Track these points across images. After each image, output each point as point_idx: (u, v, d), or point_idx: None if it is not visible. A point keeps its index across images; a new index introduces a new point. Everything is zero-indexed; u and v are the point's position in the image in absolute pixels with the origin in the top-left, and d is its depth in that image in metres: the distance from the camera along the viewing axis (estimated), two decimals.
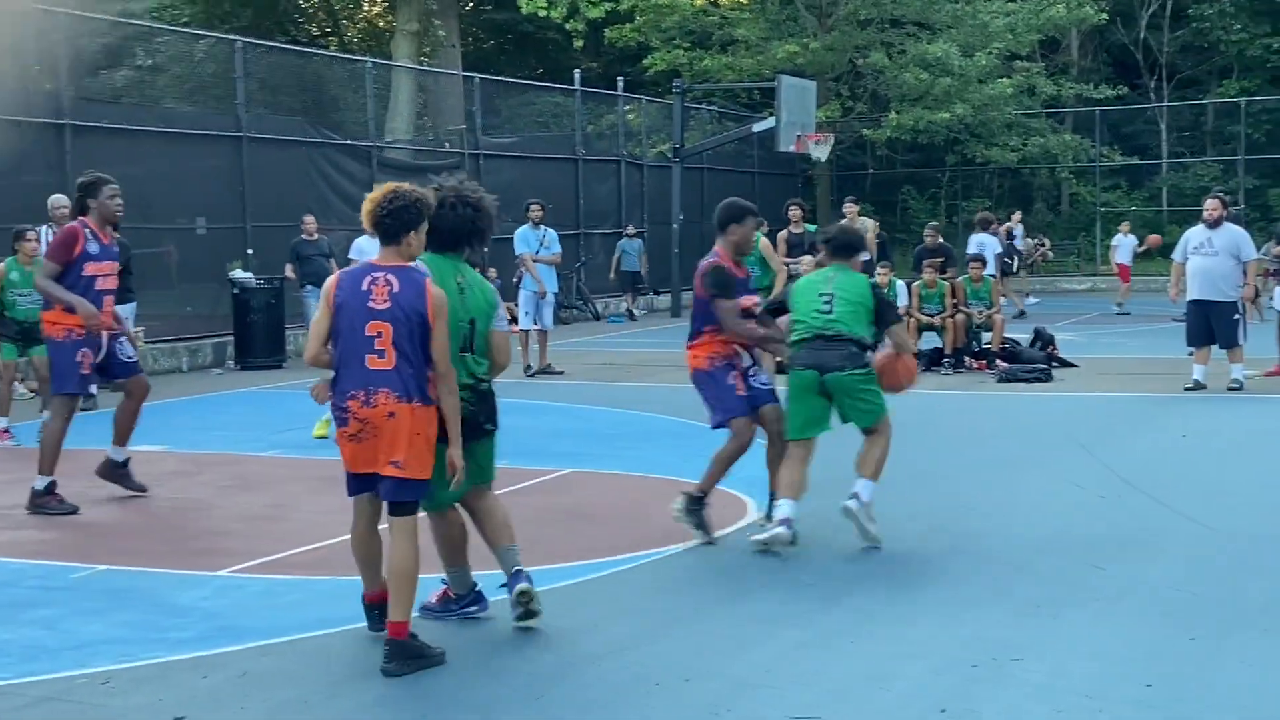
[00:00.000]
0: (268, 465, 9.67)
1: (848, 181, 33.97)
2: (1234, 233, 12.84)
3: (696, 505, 7.01)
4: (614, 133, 27.33)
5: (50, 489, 7.96)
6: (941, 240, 17.79)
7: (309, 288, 15.92)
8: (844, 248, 7.20)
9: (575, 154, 25.24)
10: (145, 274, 14.81)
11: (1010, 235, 23.03)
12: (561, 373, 14.83)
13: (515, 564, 5.44)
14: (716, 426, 7.08)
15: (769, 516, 6.98)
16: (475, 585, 5.63)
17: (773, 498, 7.03)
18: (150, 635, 5.50)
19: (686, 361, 7.24)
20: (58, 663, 5.14)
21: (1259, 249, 14.80)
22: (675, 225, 24.92)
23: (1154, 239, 24.00)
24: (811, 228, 16.40)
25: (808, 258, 14.54)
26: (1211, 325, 12.71)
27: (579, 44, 31.31)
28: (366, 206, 5.14)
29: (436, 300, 5.02)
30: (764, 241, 11.90)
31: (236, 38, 18.88)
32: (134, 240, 14.42)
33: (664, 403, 12.31)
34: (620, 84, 27.54)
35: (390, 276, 5.02)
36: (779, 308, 7.35)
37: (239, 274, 16.76)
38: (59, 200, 12.92)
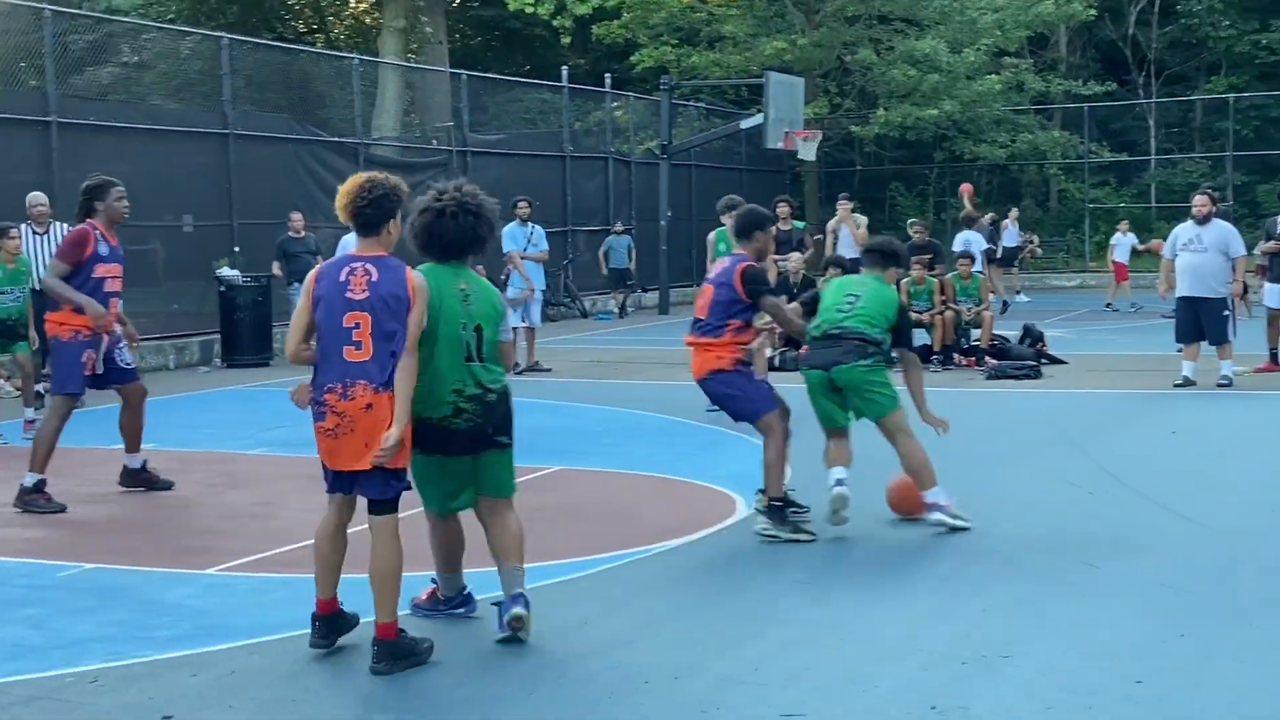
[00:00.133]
0: (255, 463, 9.65)
1: (836, 178, 33.99)
2: (1223, 229, 12.86)
3: (779, 511, 6.93)
4: (601, 130, 27.31)
5: (39, 487, 7.94)
6: (930, 237, 17.80)
7: (296, 285, 15.85)
8: (883, 256, 7.46)
9: (563, 151, 25.22)
10: (131, 272, 14.60)
11: (994, 223, 23.06)
12: (549, 370, 14.82)
13: (516, 587, 5.26)
14: (751, 420, 7.08)
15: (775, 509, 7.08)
16: (464, 588, 5.58)
17: (762, 491, 7.13)
18: (138, 634, 5.48)
19: (702, 360, 7.08)
20: (46, 661, 5.12)
21: (1252, 246, 14.84)
22: (663, 222, 24.91)
23: (1157, 243, 24.11)
24: (800, 225, 16.39)
25: (796, 255, 14.54)
26: (1201, 322, 12.73)
27: (566, 41, 31.29)
28: (342, 200, 5.04)
29: (416, 282, 4.97)
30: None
31: (223, 34, 18.83)
32: (120, 238, 14.36)
33: (652, 400, 12.32)
34: (608, 81, 27.51)
35: (369, 266, 4.97)
36: (812, 305, 7.56)
37: (226, 271, 16.71)
38: (37, 198, 12.88)
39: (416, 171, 21.74)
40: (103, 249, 8.03)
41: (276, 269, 16.72)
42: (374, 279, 4.93)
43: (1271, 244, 13.82)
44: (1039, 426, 10.76)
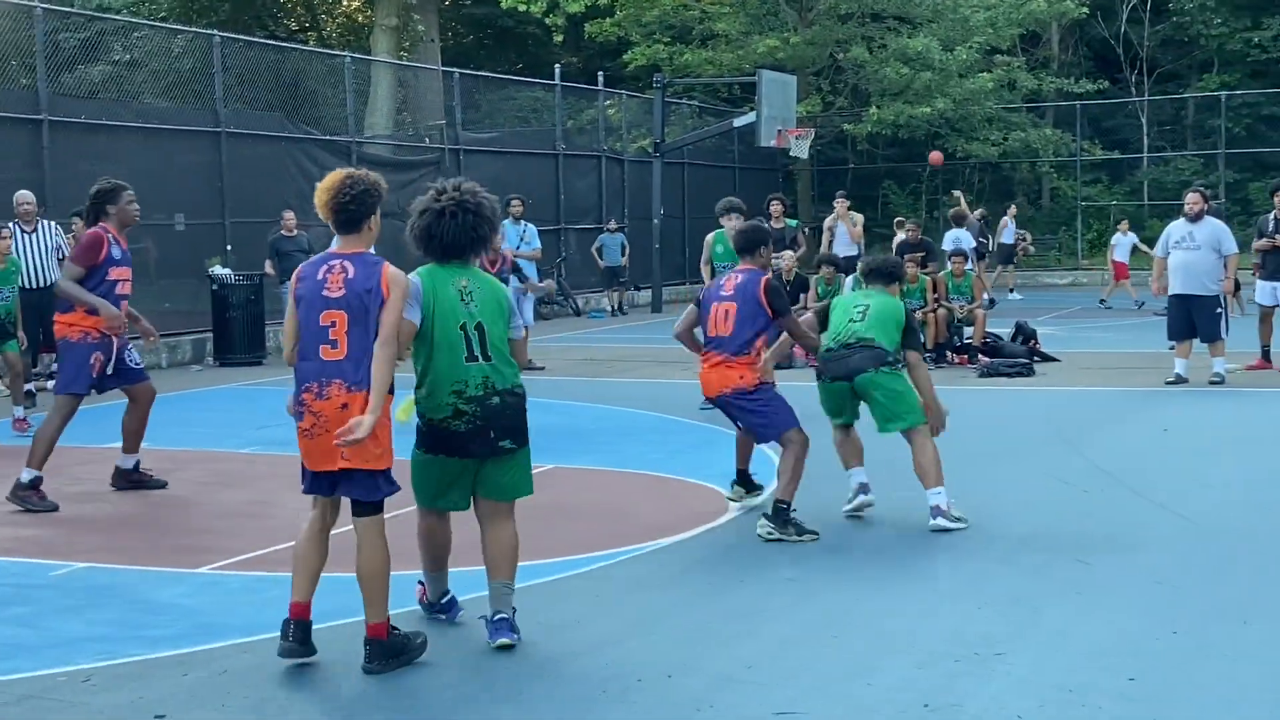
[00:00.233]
0: (248, 462, 9.63)
1: (829, 176, 34.01)
2: (1215, 227, 12.88)
3: (784, 513, 6.92)
4: (594, 128, 27.30)
5: (35, 483, 7.95)
6: (922, 235, 17.82)
7: (288, 284, 15.85)
8: (883, 275, 7.72)
9: (555, 149, 25.19)
10: None
11: (984, 220, 23.06)
12: (543, 368, 14.81)
13: (502, 608, 5.14)
14: (776, 439, 7.14)
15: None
16: (447, 593, 5.50)
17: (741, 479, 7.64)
18: (130, 633, 5.47)
19: (723, 378, 7.08)
20: (38, 660, 5.10)
21: (1244, 244, 14.87)
22: (656, 220, 24.90)
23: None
24: (793, 223, 16.39)
25: (789, 253, 14.54)
26: (1193, 319, 12.75)
27: (559, 39, 31.29)
28: (322, 197, 4.95)
29: (391, 275, 4.88)
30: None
31: (214, 32, 18.78)
32: None
33: (645, 398, 12.32)
34: (600, 79, 27.51)
35: (346, 263, 4.89)
36: (823, 315, 7.73)
37: (218, 270, 16.68)
38: (24, 196, 12.86)
39: (409, 170, 21.73)
40: (115, 252, 8.13)
41: (269, 267, 16.69)
42: (350, 276, 4.86)
43: (1264, 241, 13.84)
44: (1032, 424, 10.77)
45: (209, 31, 19.09)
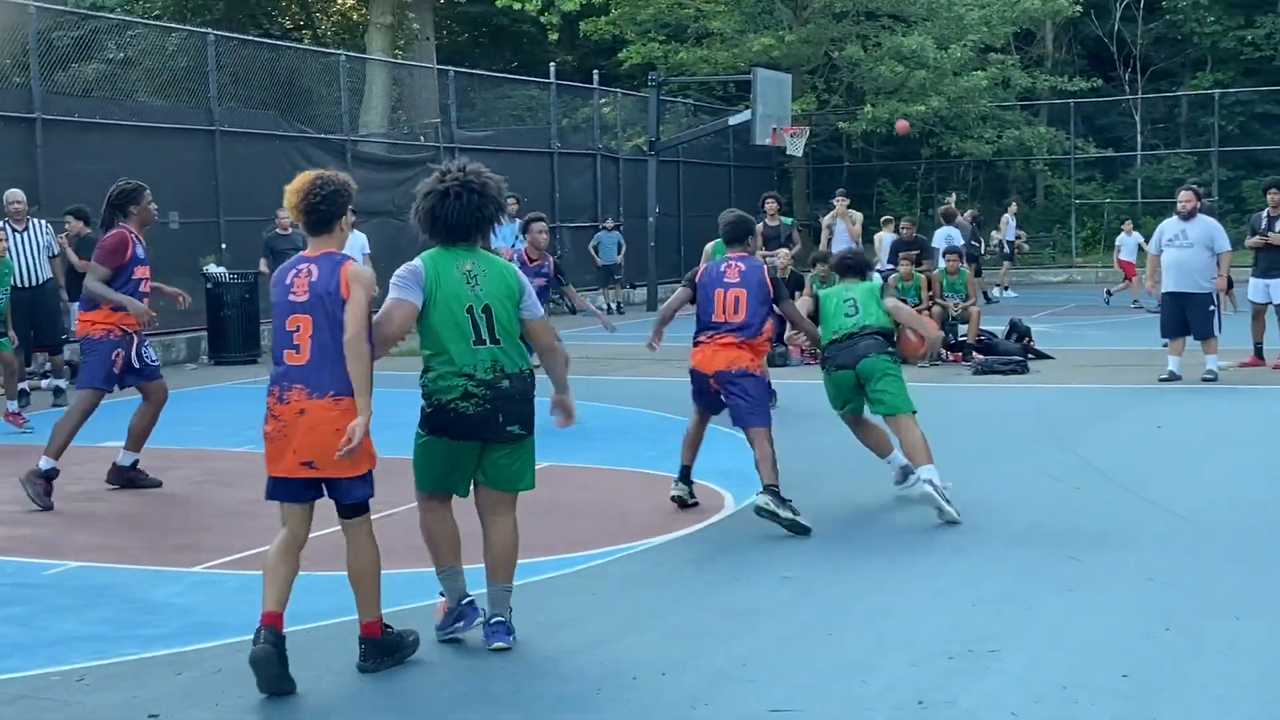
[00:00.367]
0: (242, 460, 9.61)
1: (824, 175, 34.04)
2: (1208, 224, 12.90)
3: (778, 495, 6.98)
4: (589, 126, 27.28)
5: (49, 475, 8.04)
6: (917, 233, 17.85)
7: None
8: (855, 270, 8.06)
9: (550, 147, 25.19)
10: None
11: (976, 221, 23.05)
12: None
13: (501, 611, 5.11)
14: (757, 426, 7.20)
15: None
16: (466, 597, 5.22)
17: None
18: (124, 632, 5.46)
19: (733, 356, 7.22)
20: (32, 660, 5.10)
21: (1238, 242, 14.90)
22: (651, 219, 24.91)
23: None
24: (788, 220, 16.41)
25: (784, 250, 14.55)
26: (1186, 317, 12.76)
27: (554, 37, 31.25)
28: (292, 199, 4.86)
29: (350, 272, 4.77)
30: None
31: (209, 31, 18.75)
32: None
33: (640, 396, 12.32)
34: (595, 77, 27.49)
35: (312, 266, 4.81)
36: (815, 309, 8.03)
37: (212, 269, 16.66)
38: (15, 195, 12.85)
39: (404, 168, 21.71)
40: (139, 251, 8.27)
41: (264, 266, 16.67)
42: (314, 279, 4.77)
43: (1256, 239, 13.86)
44: (1025, 421, 10.79)
45: (203, 30, 19.06)
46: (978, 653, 5.01)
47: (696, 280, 7.53)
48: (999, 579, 6.08)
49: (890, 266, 17.07)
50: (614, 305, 24.46)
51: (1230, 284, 14.16)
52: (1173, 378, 12.62)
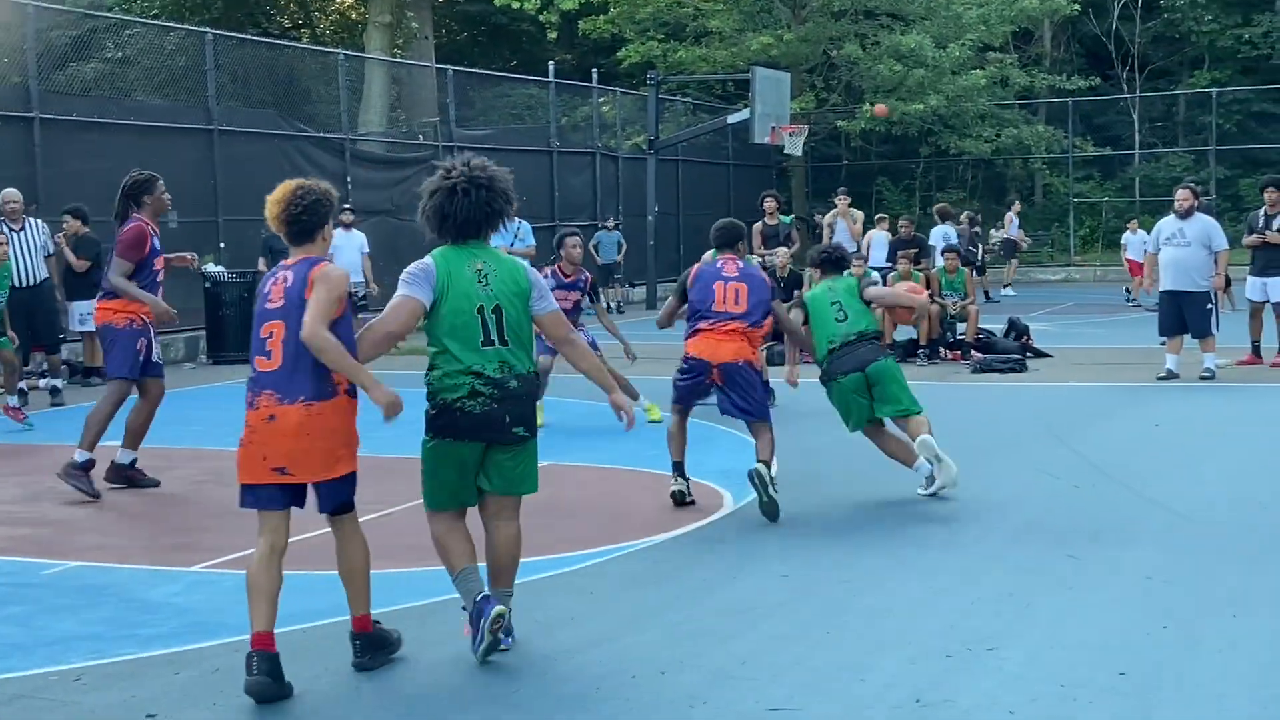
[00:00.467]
0: None
1: (822, 173, 34.05)
2: (1205, 223, 12.90)
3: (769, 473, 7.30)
4: (588, 125, 27.28)
5: (88, 466, 8.12)
6: (915, 232, 17.88)
7: None
8: (834, 264, 8.21)
9: (550, 146, 25.18)
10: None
11: (972, 221, 23.05)
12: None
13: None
14: (757, 417, 7.46)
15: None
16: (479, 593, 4.95)
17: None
18: (122, 631, 5.46)
19: (738, 347, 7.42)
20: (30, 660, 5.09)
21: (1235, 240, 14.90)
22: (650, 217, 24.91)
23: None
24: (786, 219, 16.42)
25: (783, 249, 14.55)
26: (1184, 315, 12.77)
27: (553, 36, 31.25)
28: (274, 209, 4.82)
29: (317, 273, 4.70)
30: None
31: (207, 30, 18.74)
32: (105, 235, 14.28)
33: (640, 395, 12.28)
34: (594, 76, 27.49)
35: (288, 273, 4.77)
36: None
37: (211, 268, 16.65)
38: (11, 194, 12.85)
39: (403, 167, 21.71)
40: (156, 242, 8.29)
41: (262, 265, 16.66)
42: (289, 284, 4.73)
43: (1254, 237, 13.87)
44: (1024, 420, 10.79)
45: (202, 29, 19.05)
46: (976, 651, 5.01)
47: (689, 283, 7.66)
48: (997, 577, 6.08)
49: (888, 265, 17.09)
50: (614, 304, 24.46)
51: (1228, 282, 14.18)
52: (1171, 376, 12.62)
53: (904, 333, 15.46)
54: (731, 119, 25.63)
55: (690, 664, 4.93)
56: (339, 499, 4.83)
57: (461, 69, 24.85)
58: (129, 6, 29.09)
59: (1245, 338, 13.74)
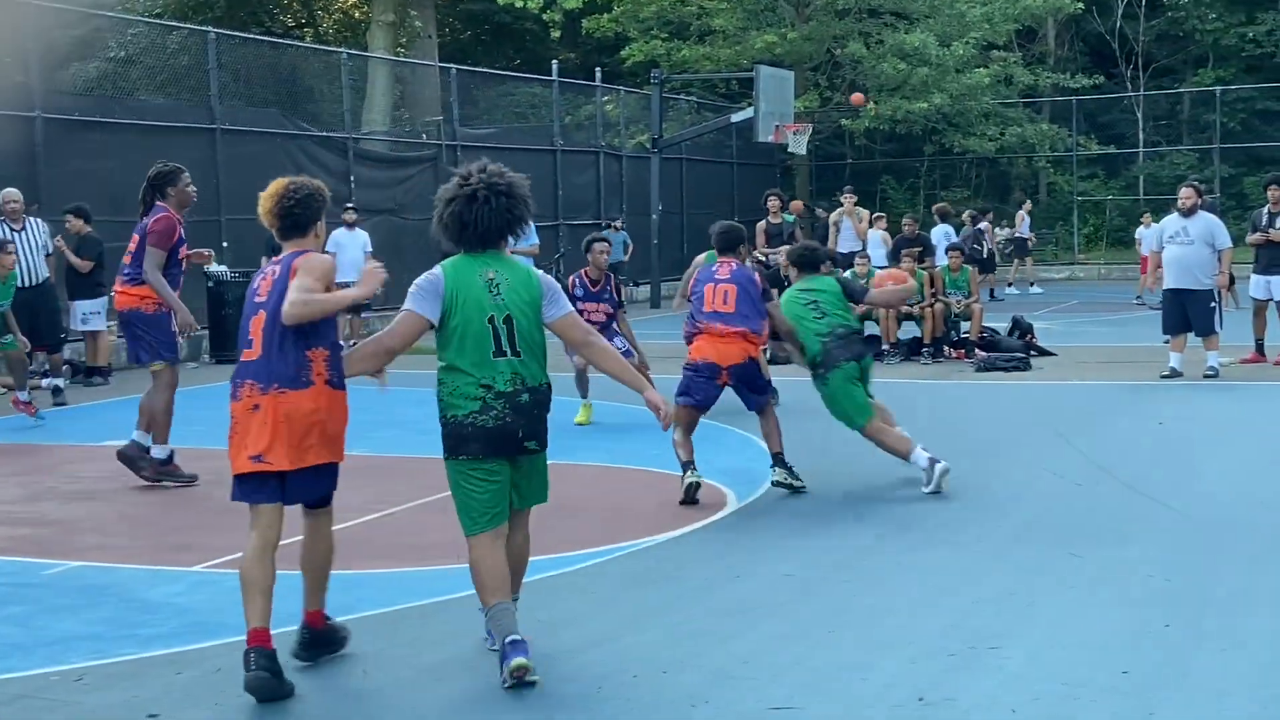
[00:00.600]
0: None
1: (826, 172, 34.03)
2: (1209, 221, 12.88)
3: (785, 461, 7.85)
4: (592, 124, 27.27)
5: (169, 458, 8.24)
6: (920, 230, 17.87)
7: None
8: (810, 264, 8.36)
9: (553, 145, 25.18)
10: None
11: (975, 222, 23.08)
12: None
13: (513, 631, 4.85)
14: (762, 406, 7.97)
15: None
16: (511, 636, 4.70)
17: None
18: (124, 631, 5.46)
19: (744, 348, 7.81)
20: (31, 660, 5.09)
21: (1239, 239, 14.88)
22: (654, 216, 24.89)
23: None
24: (789, 218, 16.41)
25: (786, 248, 14.54)
26: (1187, 313, 12.75)
27: (556, 35, 31.24)
28: (267, 204, 4.81)
29: (301, 261, 4.69)
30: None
31: (210, 29, 18.75)
32: (107, 234, 14.31)
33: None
34: (598, 75, 27.48)
35: (275, 267, 4.77)
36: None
37: (214, 267, 16.65)
38: (11, 194, 12.86)
39: (406, 166, 21.71)
40: (183, 231, 8.37)
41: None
42: (276, 276, 4.73)
43: (1257, 236, 13.84)
44: (1027, 418, 10.78)
45: (204, 28, 19.06)
46: (978, 650, 5.00)
47: (689, 286, 8.27)
48: (999, 576, 6.07)
49: (888, 265, 17.06)
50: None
51: (1232, 280, 14.15)
52: (1174, 374, 12.60)
53: (908, 330, 15.45)
54: (735, 118, 25.61)
55: (691, 663, 4.92)
56: (313, 493, 4.80)
57: (465, 68, 24.85)
58: (131, 5, 29.09)
59: (1249, 336, 13.72)
